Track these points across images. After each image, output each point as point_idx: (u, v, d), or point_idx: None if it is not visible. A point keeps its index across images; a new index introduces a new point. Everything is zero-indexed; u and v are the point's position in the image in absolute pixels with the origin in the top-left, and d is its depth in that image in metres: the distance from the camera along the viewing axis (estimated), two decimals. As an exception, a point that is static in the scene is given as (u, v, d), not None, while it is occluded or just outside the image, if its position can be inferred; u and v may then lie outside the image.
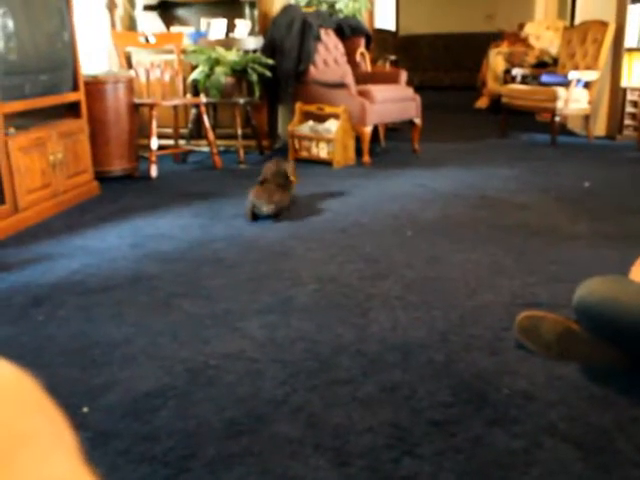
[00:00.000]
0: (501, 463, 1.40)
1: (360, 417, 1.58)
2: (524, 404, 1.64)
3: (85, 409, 1.64)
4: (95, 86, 4.16)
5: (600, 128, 6.22)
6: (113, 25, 5.24)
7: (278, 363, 1.86)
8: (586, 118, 6.03)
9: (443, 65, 12.16)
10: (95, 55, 5.01)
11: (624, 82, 5.98)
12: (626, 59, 5.98)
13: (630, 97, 5.95)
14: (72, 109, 3.86)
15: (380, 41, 9.46)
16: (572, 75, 5.69)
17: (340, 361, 1.86)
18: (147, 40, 5.02)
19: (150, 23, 5.55)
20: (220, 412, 1.61)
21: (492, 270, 2.63)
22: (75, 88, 3.82)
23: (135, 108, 4.45)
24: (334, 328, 2.08)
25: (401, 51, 10.99)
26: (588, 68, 5.94)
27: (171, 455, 1.45)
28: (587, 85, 5.90)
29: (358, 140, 4.92)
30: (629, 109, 5.98)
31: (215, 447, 1.48)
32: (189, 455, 1.45)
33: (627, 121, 6.02)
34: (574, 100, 5.77)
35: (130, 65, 5.01)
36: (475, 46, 11.02)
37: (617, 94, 6.02)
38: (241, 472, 1.39)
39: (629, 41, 5.93)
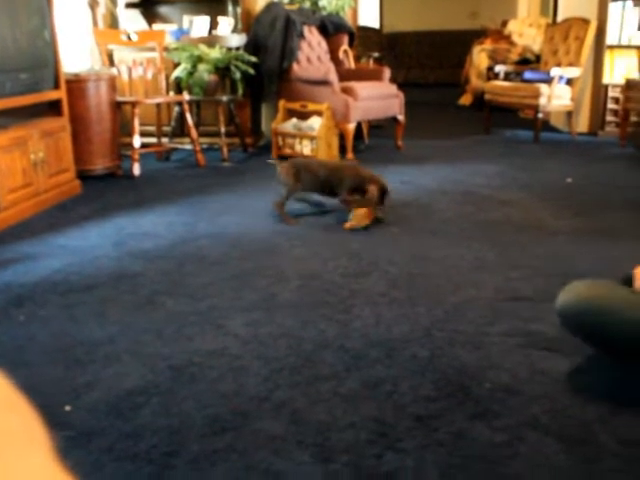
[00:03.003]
0: (484, 457, 1.41)
1: (343, 413, 1.58)
2: (507, 398, 1.65)
3: (68, 408, 1.63)
4: (77, 84, 4.13)
5: (583, 124, 6.26)
6: (95, 23, 5.20)
7: (261, 360, 1.86)
8: (569, 114, 6.07)
9: (427, 62, 12.18)
10: (77, 53, 4.97)
11: (606, 79, 6.02)
12: (607, 56, 6.02)
13: (612, 94, 5.99)
14: (53, 107, 3.83)
15: (364, 39, 9.47)
16: (554, 72, 5.72)
17: (323, 357, 1.86)
18: (129, 38, 4.99)
19: (132, 21, 5.52)
20: (203, 409, 1.61)
21: (475, 266, 2.64)
22: (56, 86, 3.79)
23: (117, 106, 4.43)
24: (318, 324, 2.08)
25: (385, 49, 10.99)
26: (570, 65, 5.98)
27: (155, 452, 1.45)
28: (569, 82, 5.93)
29: (342, 137, 4.93)
30: (611, 105, 6.02)
31: (199, 444, 1.47)
32: (173, 452, 1.45)
33: (609, 117, 6.06)
34: (557, 97, 5.80)
35: (112, 63, 4.98)
36: (459, 43, 11.06)
37: (599, 91, 6.06)
38: (225, 468, 1.39)
39: (610, 38, 5.97)
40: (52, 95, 3.77)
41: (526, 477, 1.34)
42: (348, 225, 3.11)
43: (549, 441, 1.46)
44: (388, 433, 1.50)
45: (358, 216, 3.13)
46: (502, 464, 1.38)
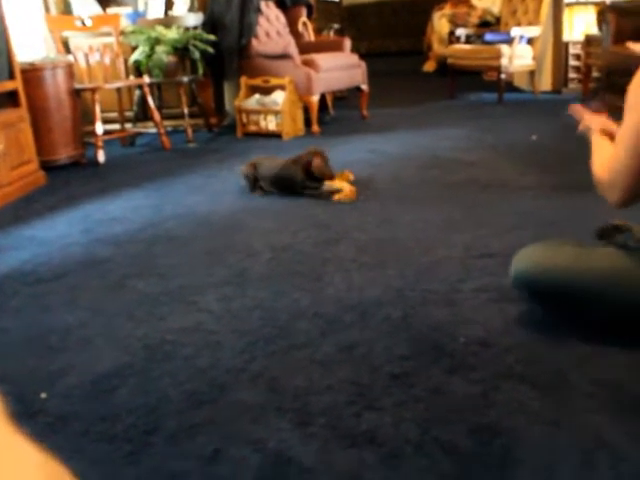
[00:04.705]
0: (460, 409, 1.43)
1: (320, 377, 1.58)
2: (481, 351, 1.66)
3: (43, 395, 1.62)
4: (33, 73, 4.05)
5: (546, 83, 6.29)
6: (47, 9, 5.09)
7: (236, 333, 1.85)
8: (531, 74, 6.09)
9: (389, 31, 12.11)
10: (30, 41, 4.86)
11: (566, 36, 6.04)
12: (567, 13, 6.03)
13: (572, 50, 6.01)
14: (10, 98, 3.75)
15: (325, 11, 9.38)
16: (515, 32, 5.73)
17: (298, 325, 1.86)
18: (83, 23, 4.89)
19: (85, 5, 5.40)
20: (180, 385, 1.60)
21: (444, 226, 2.65)
22: (11, 76, 3.70)
23: (77, 93, 4.35)
24: (290, 294, 2.08)
25: (346, 20, 10.91)
26: (530, 24, 5.99)
27: (133, 431, 1.44)
28: (530, 41, 5.95)
29: (306, 110, 4.90)
30: (572, 62, 6.05)
31: (177, 419, 1.47)
32: (151, 430, 1.44)
33: (571, 74, 6.10)
34: (518, 57, 5.82)
35: (68, 50, 4.88)
36: (420, 11, 10.98)
37: (560, 48, 6.08)
38: (204, 441, 1.38)
39: (568, -5, 5.99)
40: (8, 85, 3.68)
41: (502, 424, 1.35)
42: (337, 197, 3.09)
43: (524, 388, 1.48)
44: (365, 393, 1.50)
45: (346, 192, 3.12)
46: (478, 413, 1.40)
